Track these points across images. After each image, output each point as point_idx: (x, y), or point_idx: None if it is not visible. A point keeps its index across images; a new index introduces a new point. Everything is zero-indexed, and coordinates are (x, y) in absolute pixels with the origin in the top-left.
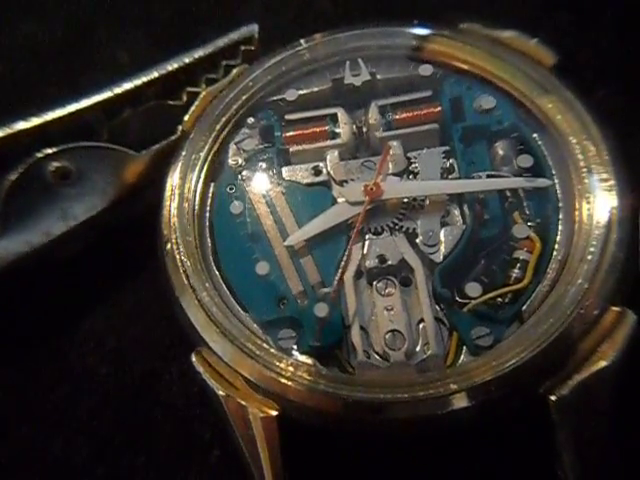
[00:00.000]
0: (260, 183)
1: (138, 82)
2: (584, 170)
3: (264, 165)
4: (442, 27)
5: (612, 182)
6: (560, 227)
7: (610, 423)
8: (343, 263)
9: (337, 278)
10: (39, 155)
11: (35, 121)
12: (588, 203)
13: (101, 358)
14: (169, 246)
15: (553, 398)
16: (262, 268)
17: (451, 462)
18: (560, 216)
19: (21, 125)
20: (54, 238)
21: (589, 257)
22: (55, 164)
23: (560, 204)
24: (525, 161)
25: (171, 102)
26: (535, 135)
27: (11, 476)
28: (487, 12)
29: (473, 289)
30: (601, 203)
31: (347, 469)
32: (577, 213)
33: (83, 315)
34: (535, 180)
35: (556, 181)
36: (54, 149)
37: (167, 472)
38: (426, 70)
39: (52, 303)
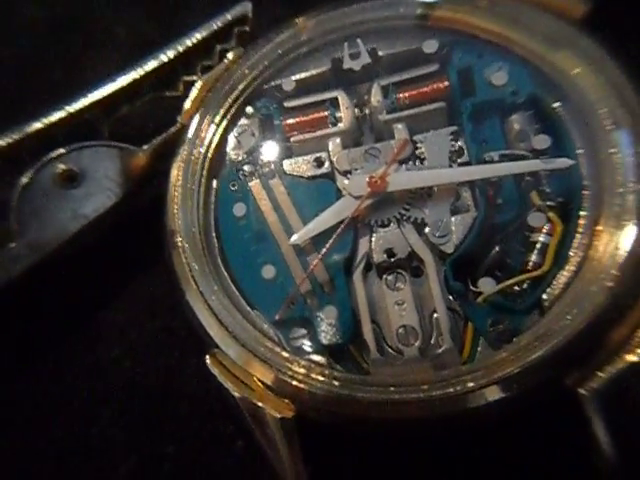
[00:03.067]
0: (262, 178)
1: (133, 77)
2: (614, 142)
3: (265, 159)
4: None
5: None
6: (584, 207)
7: None
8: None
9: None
10: (45, 159)
11: (38, 125)
12: (620, 176)
13: (125, 351)
14: (176, 250)
15: (584, 392)
16: (268, 272)
17: (473, 459)
18: (584, 195)
19: (26, 130)
20: (67, 238)
21: (621, 238)
22: (61, 167)
23: (585, 182)
24: (542, 142)
25: (168, 93)
26: (557, 104)
27: (54, 463)
28: None
29: (486, 284)
30: (635, 178)
31: (367, 464)
32: (605, 190)
33: (103, 309)
34: (554, 161)
35: (580, 157)
36: (59, 152)
37: (194, 461)
38: (430, 46)
39: (71, 299)
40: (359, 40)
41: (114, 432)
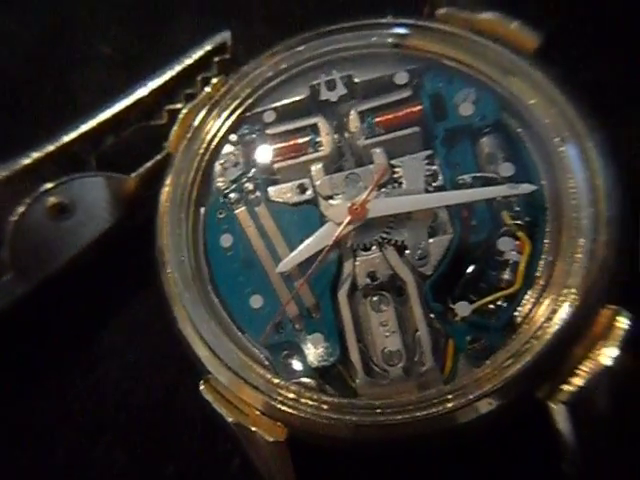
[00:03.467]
0: (248, 206)
1: (118, 108)
2: (568, 168)
3: (250, 186)
4: (418, 17)
5: (599, 182)
6: (547, 228)
7: (612, 424)
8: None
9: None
10: (36, 193)
11: (27, 160)
12: (575, 200)
13: (123, 372)
14: (166, 280)
15: (553, 404)
16: (256, 301)
17: (458, 475)
18: (547, 216)
19: (15, 166)
20: (61, 266)
21: (578, 258)
22: (52, 199)
23: (547, 204)
24: (507, 170)
25: (153, 123)
26: (520, 130)
27: None
28: None
29: (461, 307)
30: (586, 202)
31: None
32: (564, 213)
33: (100, 331)
34: (518, 187)
35: (543, 180)
36: (49, 185)
37: None
38: (402, 78)
39: (67, 322)
40: (335, 72)
41: (115, 453)
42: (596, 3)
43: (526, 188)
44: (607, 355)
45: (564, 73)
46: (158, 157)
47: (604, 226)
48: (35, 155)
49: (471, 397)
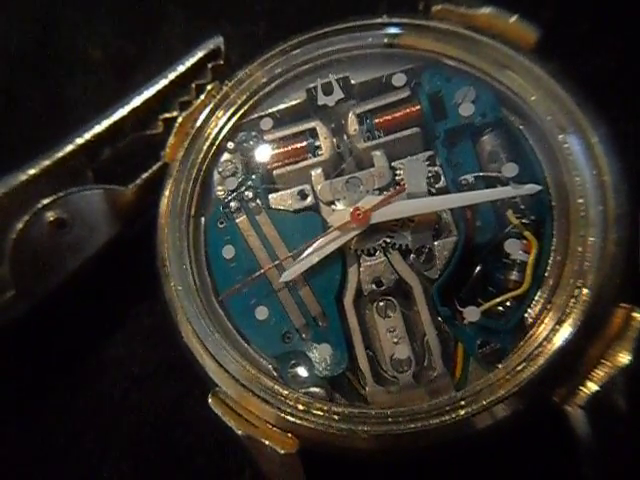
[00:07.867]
0: (249, 214)
1: (113, 119)
2: (573, 166)
3: (250, 194)
4: (414, 15)
5: (606, 178)
6: (554, 227)
7: (631, 425)
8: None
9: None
10: (35, 208)
11: (24, 176)
12: (582, 198)
13: (129, 386)
14: (170, 293)
15: (569, 408)
16: (261, 313)
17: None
18: (554, 215)
19: (12, 182)
20: (62, 280)
21: (589, 257)
22: (51, 215)
23: (553, 202)
24: (510, 170)
25: (149, 132)
26: (522, 127)
27: None
28: None
29: (471, 313)
30: (594, 200)
31: None
32: (571, 211)
33: (104, 345)
34: (522, 187)
35: (547, 178)
36: (47, 200)
37: None
38: (399, 80)
39: (71, 337)
40: (331, 74)
41: (123, 468)
42: None
43: (531, 189)
44: (623, 355)
45: (564, 67)
46: (155, 167)
47: (614, 223)
48: (32, 171)
49: (484, 403)
